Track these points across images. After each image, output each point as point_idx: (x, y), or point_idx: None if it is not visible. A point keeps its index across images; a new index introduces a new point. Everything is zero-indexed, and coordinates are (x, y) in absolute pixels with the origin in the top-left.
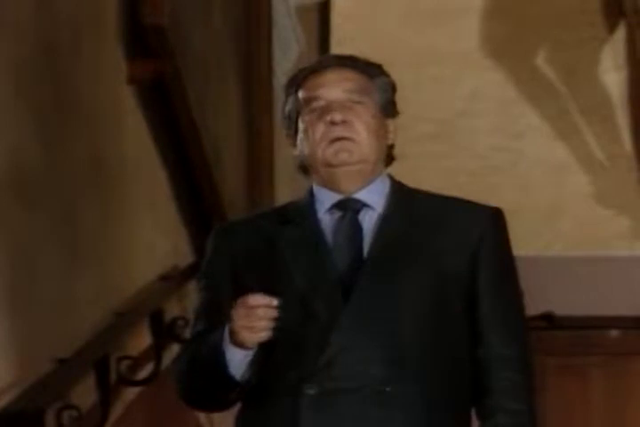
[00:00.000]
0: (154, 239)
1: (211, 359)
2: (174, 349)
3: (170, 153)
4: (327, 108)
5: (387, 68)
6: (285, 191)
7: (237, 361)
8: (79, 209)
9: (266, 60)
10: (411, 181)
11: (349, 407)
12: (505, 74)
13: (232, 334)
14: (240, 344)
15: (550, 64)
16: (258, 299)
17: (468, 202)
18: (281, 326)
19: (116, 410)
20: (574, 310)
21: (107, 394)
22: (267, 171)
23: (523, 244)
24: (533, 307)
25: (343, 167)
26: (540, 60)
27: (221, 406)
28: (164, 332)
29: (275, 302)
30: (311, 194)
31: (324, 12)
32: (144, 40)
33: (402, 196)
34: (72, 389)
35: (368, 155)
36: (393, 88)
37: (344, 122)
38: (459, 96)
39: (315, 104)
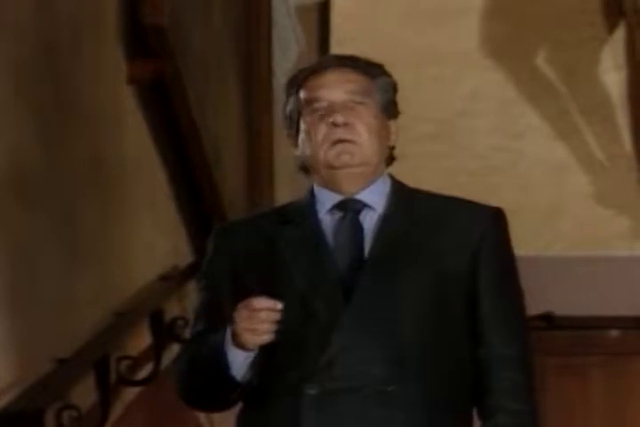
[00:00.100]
0: (154, 239)
1: (212, 360)
2: (174, 349)
3: (170, 153)
4: (329, 110)
5: (387, 68)
6: (285, 191)
7: (239, 363)
8: (79, 209)
9: (266, 60)
10: (411, 181)
11: (350, 407)
12: (505, 74)
13: (234, 335)
14: (241, 346)
15: (550, 64)
16: (262, 302)
17: (469, 202)
18: (282, 326)
19: (116, 410)
20: (574, 310)
21: (106, 394)
22: (266, 171)
23: (523, 244)
24: (533, 307)
25: (345, 169)
26: (540, 60)
27: (221, 406)
28: (163, 332)
29: (279, 305)
30: (311, 194)
31: (323, 11)
32: (144, 40)
33: (402, 196)
34: (72, 389)
35: (370, 157)
36: (394, 88)
37: (346, 124)
38: (459, 96)
39: (316, 105)
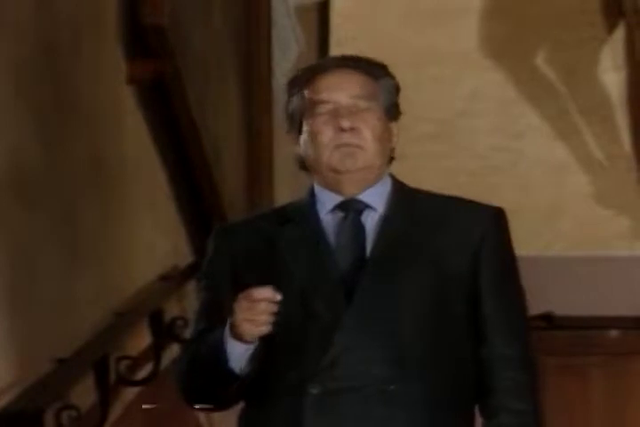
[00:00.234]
0: (154, 239)
1: (211, 354)
2: (174, 349)
3: (170, 153)
4: (335, 114)
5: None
6: (285, 191)
7: (237, 355)
8: (79, 209)
9: (266, 60)
10: (411, 181)
11: (352, 407)
12: (505, 74)
13: (233, 327)
14: (240, 337)
15: (550, 64)
16: (262, 292)
17: (470, 202)
18: (282, 325)
19: (116, 410)
20: (574, 310)
21: (106, 394)
22: (266, 171)
23: (523, 244)
24: (533, 307)
25: (348, 174)
26: (540, 61)
27: (222, 404)
28: (163, 332)
29: (278, 296)
30: (312, 194)
31: (323, 11)
32: (144, 40)
33: (403, 196)
34: (71, 389)
35: (373, 161)
36: (397, 90)
37: (352, 128)
38: (459, 96)
39: (322, 108)
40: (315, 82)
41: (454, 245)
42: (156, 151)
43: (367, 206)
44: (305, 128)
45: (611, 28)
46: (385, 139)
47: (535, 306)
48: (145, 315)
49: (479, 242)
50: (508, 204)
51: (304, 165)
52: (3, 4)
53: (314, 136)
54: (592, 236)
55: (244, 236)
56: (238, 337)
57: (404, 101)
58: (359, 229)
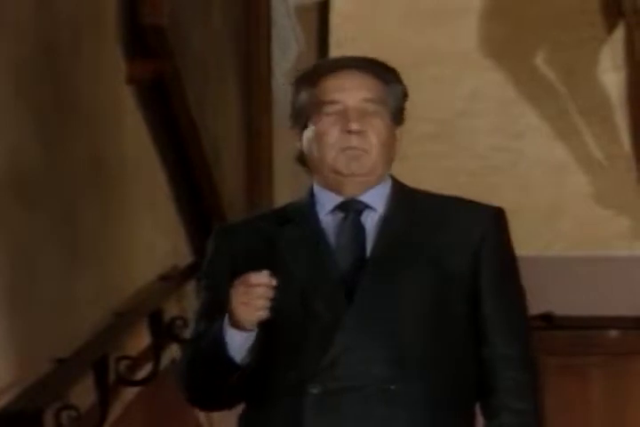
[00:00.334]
0: (153, 239)
1: (211, 344)
2: (173, 349)
3: (169, 153)
4: (344, 115)
5: None
6: (284, 192)
7: (237, 345)
8: (79, 209)
9: (265, 60)
10: (411, 181)
11: (353, 406)
12: (505, 74)
13: (231, 314)
14: (238, 324)
15: (550, 64)
16: (258, 277)
17: (470, 202)
18: (283, 325)
19: (115, 410)
20: (574, 310)
21: (105, 394)
22: (266, 171)
23: (523, 244)
24: (533, 307)
25: (351, 177)
26: (540, 61)
27: (223, 400)
28: (163, 332)
29: (274, 281)
30: (311, 195)
31: (323, 11)
32: (143, 40)
33: (403, 196)
34: (71, 389)
35: (377, 166)
36: (404, 96)
37: (359, 132)
38: (458, 96)
39: (331, 107)
40: (327, 80)
41: (454, 245)
42: (155, 151)
43: (367, 207)
44: (311, 126)
45: (610, 29)
46: (389, 143)
47: (535, 306)
48: (144, 315)
49: (479, 242)
50: (507, 204)
51: (303, 161)
52: (3, 3)
53: (320, 136)
54: (592, 236)
55: (243, 236)
56: (237, 325)
57: None
58: (359, 229)
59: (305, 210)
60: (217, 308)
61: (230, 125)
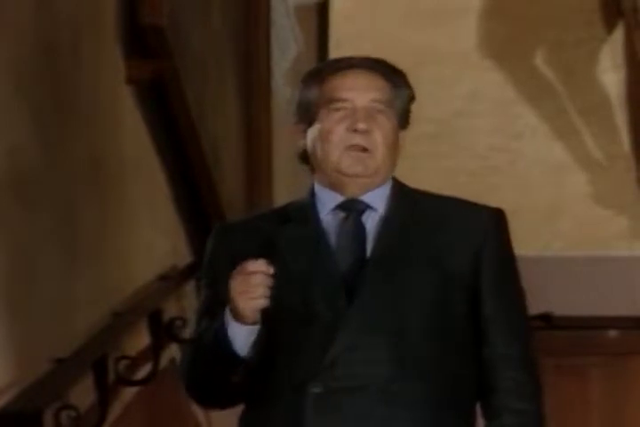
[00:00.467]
0: (153, 239)
1: (214, 341)
2: (173, 349)
3: (169, 153)
4: (352, 115)
5: None
6: (284, 192)
7: (241, 339)
8: (79, 209)
9: (265, 60)
10: (411, 181)
11: (354, 406)
12: (504, 74)
13: (231, 305)
14: (238, 315)
15: (549, 64)
16: (256, 265)
17: (470, 203)
18: (283, 325)
19: (115, 410)
20: (574, 310)
21: (105, 394)
22: (265, 171)
23: (522, 244)
24: (533, 307)
25: (355, 177)
26: (539, 61)
27: (227, 397)
28: (162, 332)
29: (271, 269)
30: (312, 194)
31: (322, 11)
32: (143, 40)
33: (404, 197)
34: (70, 389)
35: (381, 167)
36: (411, 100)
37: (366, 131)
38: (458, 96)
39: (339, 105)
40: (336, 78)
41: (455, 245)
42: (155, 151)
43: (368, 207)
44: (317, 123)
45: (610, 28)
46: (394, 145)
47: (534, 306)
48: (144, 315)
49: (479, 242)
50: (507, 204)
51: (305, 158)
52: (3, 3)
53: (325, 134)
54: (591, 236)
55: (243, 235)
56: (237, 316)
57: None
58: (360, 229)
59: (306, 209)
60: (218, 306)
61: (230, 125)
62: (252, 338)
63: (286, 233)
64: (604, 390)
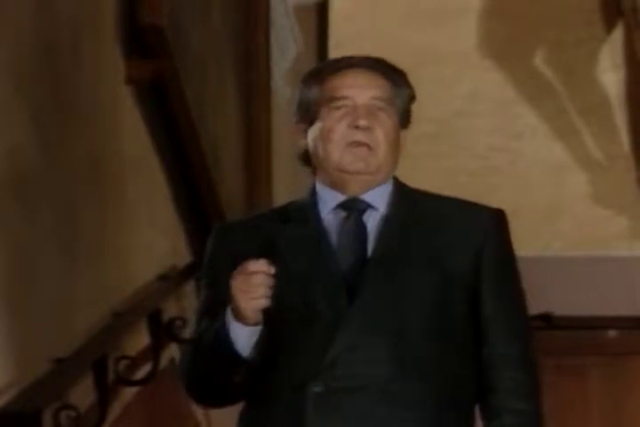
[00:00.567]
0: (152, 239)
1: (215, 341)
2: (172, 349)
3: (168, 153)
4: (353, 112)
5: None
6: (283, 191)
7: (243, 340)
8: (78, 209)
9: (264, 60)
10: (411, 181)
11: (354, 406)
12: (504, 74)
13: (232, 306)
14: (239, 315)
15: (549, 64)
16: (257, 265)
17: (470, 203)
18: (284, 324)
19: (114, 410)
20: (573, 310)
21: (105, 394)
22: (265, 171)
23: (522, 244)
24: (532, 307)
25: (356, 175)
26: (539, 61)
27: (226, 397)
28: (162, 332)
29: (272, 269)
30: (313, 193)
31: (322, 11)
32: (142, 40)
33: (404, 197)
34: (70, 389)
35: (382, 164)
36: (412, 99)
37: (367, 128)
38: (458, 96)
39: (340, 103)
40: (337, 77)
41: (455, 245)
42: (154, 151)
43: (369, 206)
44: (318, 122)
45: (609, 28)
46: (395, 143)
47: (534, 306)
48: (143, 315)
49: (480, 242)
50: (507, 204)
51: (307, 160)
52: (3, 3)
53: (326, 132)
54: (591, 236)
55: (244, 234)
56: (238, 316)
57: None
58: (361, 228)
59: (306, 209)
60: (218, 306)
61: (229, 125)
62: (254, 339)
63: (287, 233)
64: (603, 390)
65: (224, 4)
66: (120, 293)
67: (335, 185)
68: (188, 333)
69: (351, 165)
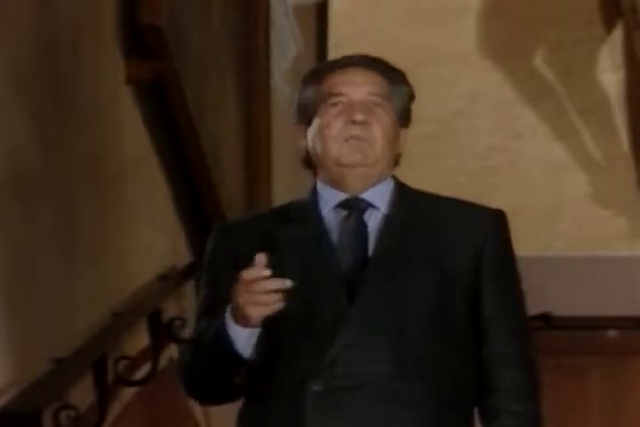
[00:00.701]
0: (152, 239)
1: (215, 342)
2: (172, 349)
3: (168, 153)
4: (349, 107)
5: None
6: (283, 191)
7: (243, 340)
8: (78, 209)
9: (264, 60)
10: (411, 181)
11: (353, 405)
12: (504, 74)
13: (235, 311)
14: (246, 322)
15: (548, 64)
16: (250, 273)
17: (470, 203)
18: (284, 324)
19: (114, 410)
20: (573, 310)
21: (104, 394)
22: (265, 171)
23: (522, 244)
24: (532, 307)
25: (354, 168)
26: (539, 61)
27: (225, 394)
28: (161, 332)
29: (267, 272)
30: (314, 193)
31: (322, 11)
32: (142, 40)
33: (405, 197)
34: (70, 389)
35: (380, 158)
36: (411, 97)
37: (364, 122)
38: (458, 96)
39: (337, 99)
40: (333, 76)
41: (455, 245)
42: (154, 151)
43: (370, 205)
44: (316, 120)
45: (609, 28)
46: (393, 139)
47: (534, 306)
48: (143, 315)
49: (479, 243)
50: (507, 204)
51: (308, 161)
52: (3, 3)
53: (323, 128)
54: (591, 236)
55: (244, 234)
56: (245, 322)
57: None
58: (362, 228)
59: (307, 208)
60: (218, 305)
61: (229, 125)
62: (254, 340)
63: (287, 232)
64: (603, 390)
65: (224, 3)
66: (120, 293)
67: (335, 183)
68: (187, 333)
69: (348, 157)
